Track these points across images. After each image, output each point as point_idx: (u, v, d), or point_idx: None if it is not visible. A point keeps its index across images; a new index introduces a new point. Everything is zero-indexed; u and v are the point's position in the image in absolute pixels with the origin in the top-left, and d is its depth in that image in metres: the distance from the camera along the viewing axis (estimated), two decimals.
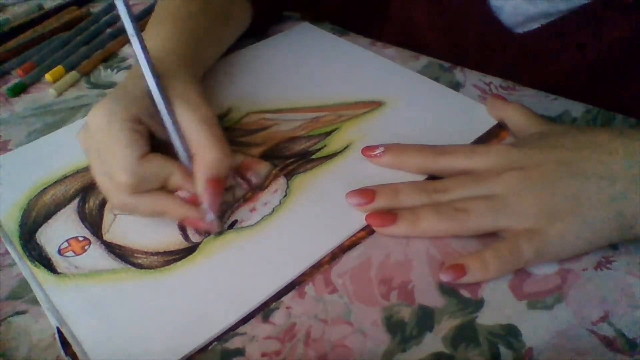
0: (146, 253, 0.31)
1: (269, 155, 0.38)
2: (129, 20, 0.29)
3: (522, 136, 0.36)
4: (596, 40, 0.41)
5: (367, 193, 0.32)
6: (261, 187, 0.35)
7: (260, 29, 0.53)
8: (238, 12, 0.48)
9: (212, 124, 0.31)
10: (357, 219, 0.32)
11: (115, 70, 0.50)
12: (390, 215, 0.31)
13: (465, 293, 0.28)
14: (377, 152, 0.35)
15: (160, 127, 0.31)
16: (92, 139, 0.30)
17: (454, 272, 0.28)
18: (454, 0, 0.47)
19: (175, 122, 0.31)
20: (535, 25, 0.43)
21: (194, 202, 0.31)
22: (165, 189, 0.31)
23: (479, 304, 0.28)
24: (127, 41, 0.54)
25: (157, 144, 0.31)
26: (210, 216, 0.31)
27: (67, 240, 0.32)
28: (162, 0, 0.43)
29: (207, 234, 0.32)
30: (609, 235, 0.29)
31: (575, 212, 0.28)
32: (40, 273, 0.30)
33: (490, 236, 0.30)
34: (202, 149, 0.31)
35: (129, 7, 0.29)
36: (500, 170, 0.31)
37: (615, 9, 0.39)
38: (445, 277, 0.29)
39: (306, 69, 0.47)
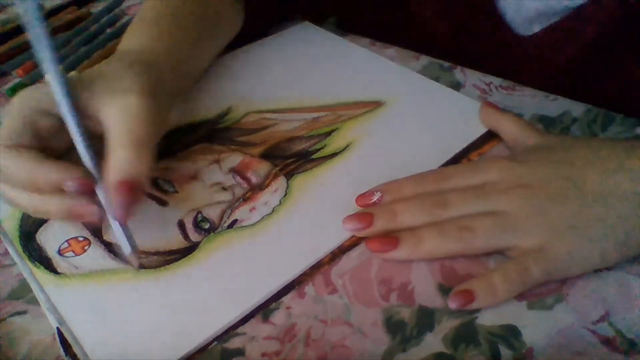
0: (146, 253, 0.31)
1: (269, 155, 0.38)
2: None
3: (519, 148, 0.35)
4: (596, 39, 0.41)
5: (364, 217, 0.30)
6: (261, 186, 0.35)
7: (257, 32, 0.52)
8: (229, 12, 0.47)
9: (136, 118, 0.29)
10: None
11: None
12: (391, 239, 0.30)
13: None
14: (374, 198, 0.32)
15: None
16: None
17: (462, 298, 0.27)
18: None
19: (78, 122, 0.27)
20: (537, 26, 0.43)
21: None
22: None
23: None
24: None
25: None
26: (127, 248, 0.29)
27: (67, 241, 0.32)
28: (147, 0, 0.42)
29: (205, 232, 0.32)
30: (616, 254, 0.28)
31: (582, 231, 0.28)
32: (41, 273, 0.30)
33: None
34: (115, 145, 0.28)
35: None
36: (504, 186, 0.30)
37: (614, 7, 0.39)
38: (453, 304, 0.27)
39: (306, 69, 0.47)
